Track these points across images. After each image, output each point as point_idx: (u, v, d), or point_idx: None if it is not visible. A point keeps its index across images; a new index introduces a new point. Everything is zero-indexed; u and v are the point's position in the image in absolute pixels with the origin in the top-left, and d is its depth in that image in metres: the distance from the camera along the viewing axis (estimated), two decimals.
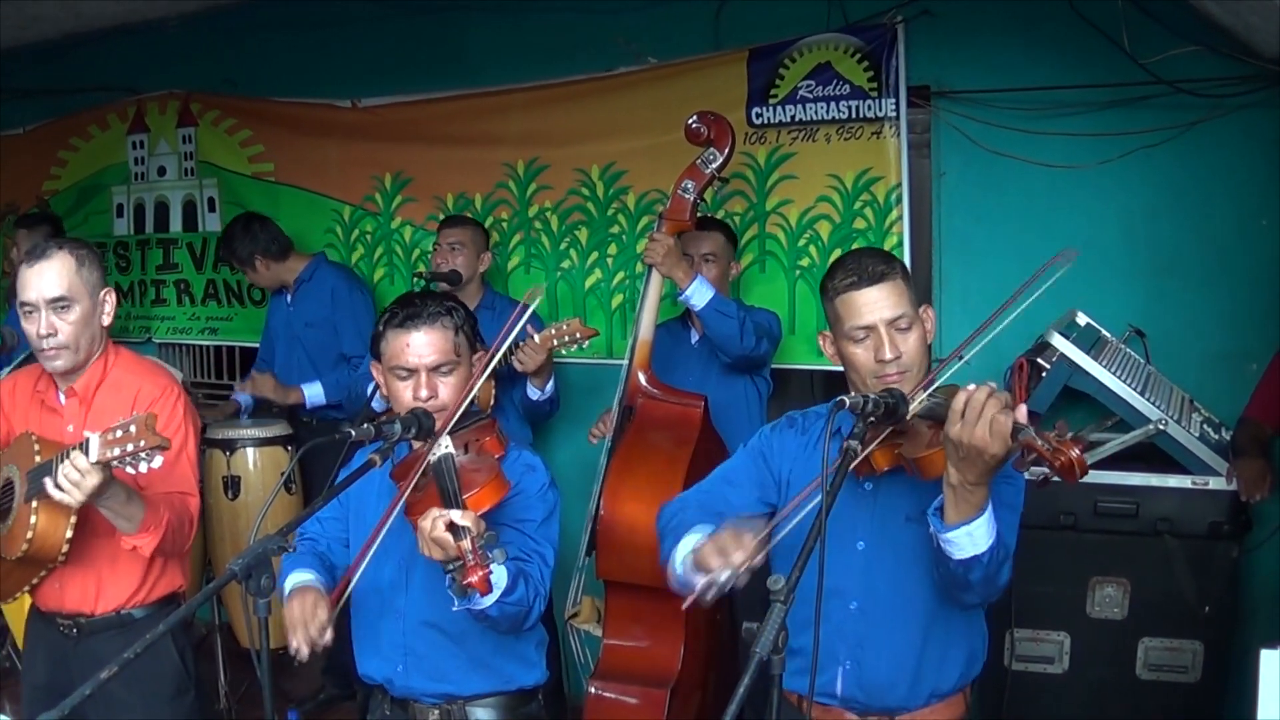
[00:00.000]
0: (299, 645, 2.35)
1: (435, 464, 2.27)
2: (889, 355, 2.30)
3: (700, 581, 2.09)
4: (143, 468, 2.48)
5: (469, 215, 4.92)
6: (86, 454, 2.50)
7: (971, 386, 2.03)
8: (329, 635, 2.36)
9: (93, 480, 2.53)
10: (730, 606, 3.95)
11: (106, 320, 3.02)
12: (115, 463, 2.48)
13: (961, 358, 2.21)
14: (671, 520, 2.51)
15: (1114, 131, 3.99)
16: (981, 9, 4.15)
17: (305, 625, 2.36)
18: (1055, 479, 2.01)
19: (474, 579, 2.16)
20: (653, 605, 3.58)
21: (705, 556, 2.11)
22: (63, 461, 2.56)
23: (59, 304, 2.90)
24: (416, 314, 2.53)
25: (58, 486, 2.56)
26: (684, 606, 2.15)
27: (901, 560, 2.39)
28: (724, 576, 2.05)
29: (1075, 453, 1.89)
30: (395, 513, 2.38)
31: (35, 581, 2.98)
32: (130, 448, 2.44)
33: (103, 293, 3.00)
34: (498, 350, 2.52)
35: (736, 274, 4.30)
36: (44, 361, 2.98)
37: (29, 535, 2.75)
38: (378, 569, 2.64)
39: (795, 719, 2.38)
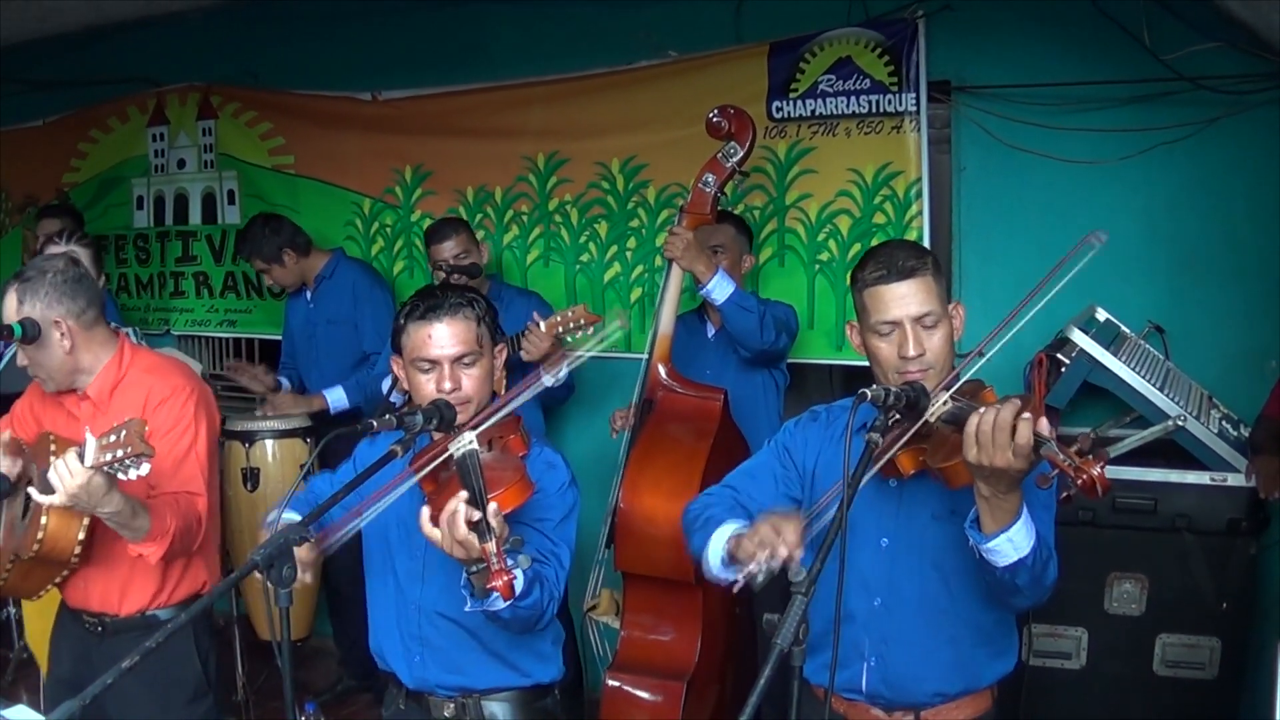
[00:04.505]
0: None
1: (459, 460, 2.16)
2: (912, 352, 2.30)
3: (742, 572, 2.13)
4: (132, 475, 2.45)
5: (454, 216, 4.93)
6: (83, 459, 2.47)
7: (983, 410, 2.01)
8: (308, 575, 2.28)
9: (79, 481, 2.47)
10: (749, 599, 3.95)
11: (67, 344, 2.92)
12: (107, 468, 2.45)
13: (983, 354, 2.18)
14: (700, 515, 2.50)
15: (1135, 127, 3.99)
16: (1002, 4, 4.15)
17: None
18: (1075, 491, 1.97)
19: (498, 584, 2.10)
20: (670, 598, 3.60)
21: (746, 549, 2.14)
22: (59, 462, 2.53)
23: (22, 341, 2.88)
24: (438, 305, 2.51)
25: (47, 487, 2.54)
26: (735, 590, 2.19)
27: (926, 558, 2.38)
28: (774, 564, 2.08)
29: (1097, 470, 1.87)
30: (407, 488, 2.34)
31: (58, 580, 3.00)
32: (120, 454, 2.41)
33: (54, 319, 2.90)
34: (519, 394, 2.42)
35: (749, 267, 4.28)
36: None
37: (39, 536, 2.76)
38: (393, 559, 2.65)
39: (816, 712, 2.37)
